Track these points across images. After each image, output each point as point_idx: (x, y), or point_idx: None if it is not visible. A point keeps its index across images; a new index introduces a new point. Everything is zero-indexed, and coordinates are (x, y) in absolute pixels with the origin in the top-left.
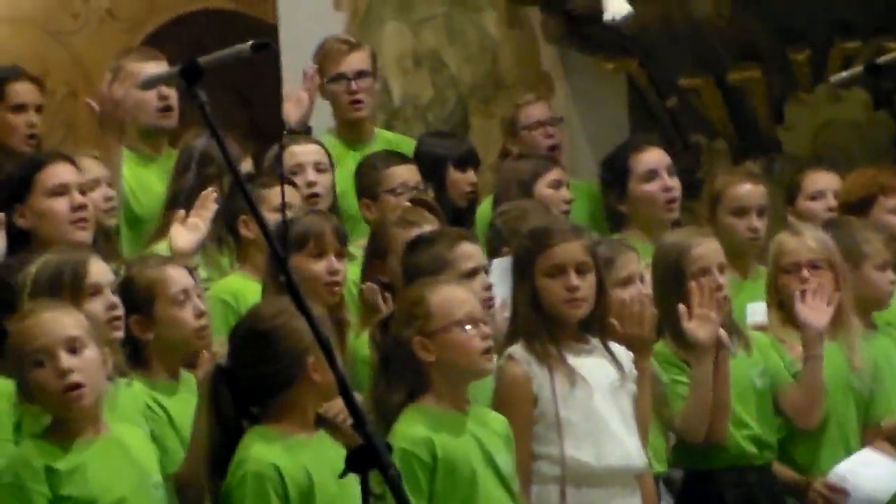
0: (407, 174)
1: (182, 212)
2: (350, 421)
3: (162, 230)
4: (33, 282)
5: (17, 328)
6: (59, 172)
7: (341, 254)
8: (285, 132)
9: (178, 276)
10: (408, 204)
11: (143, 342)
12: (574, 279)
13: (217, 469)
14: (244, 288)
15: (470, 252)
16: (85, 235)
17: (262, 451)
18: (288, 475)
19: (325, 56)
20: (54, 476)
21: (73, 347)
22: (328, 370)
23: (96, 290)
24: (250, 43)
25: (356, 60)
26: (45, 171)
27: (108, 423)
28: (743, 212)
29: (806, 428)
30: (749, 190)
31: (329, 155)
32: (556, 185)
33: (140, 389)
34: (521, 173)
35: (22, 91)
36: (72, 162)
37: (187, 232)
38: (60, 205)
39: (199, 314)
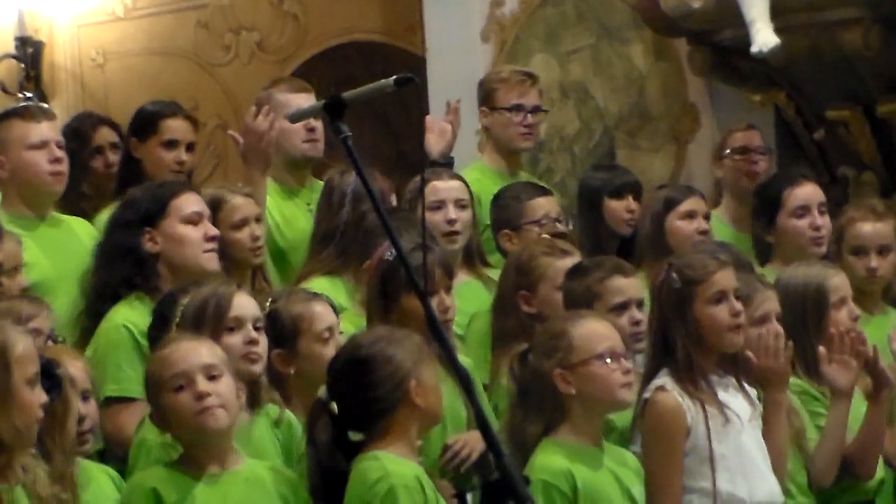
0: (548, 205)
1: None
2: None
3: (313, 266)
4: (182, 314)
5: (155, 357)
6: (193, 201)
7: (450, 289)
8: (429, 164)
9: (323, 313)
10: (547, 236)
11: (285, 376)
12: (736, 304)
13: (322, 496)
14: None
15: (621, 286)
16: (215, 265)
17: (396, 467)
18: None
19: (502, 84)
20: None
21: (212, 375)
22: (430, 395)
23: (237, 325)
24: (394, 78)
25: (535, 95)
26: (181, 197)
27: (238, 457)
28: (862, 251)
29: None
30: (870, 229)
31: (470, 191)
32: (690, 215)
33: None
34: (656, 203)
35: (175, 127)
36: (199, 194)
37: None
38: (195, 232)
39: None
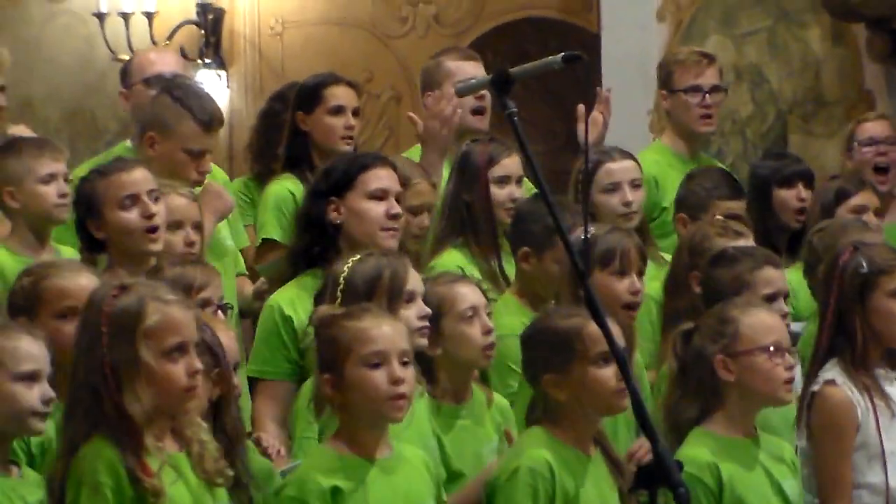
0: (735, 208)
1: None
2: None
3: (444, 236)
4: (347, 279)
5: (350, 326)
6: (383, 176)
7: (642, 273)
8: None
9: (468, 293)
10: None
11: (431, 357)
12: None
13: None
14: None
15: (771, 277)
16: (394, 243)
17: (537, 451)
18: (558, 477)
19: (679, 66)
20: (339, 496)
21: (405, 361)
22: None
23: (411, 298)
24: (562, 55)
25: (712, 75)
26: (369, 172)
27: (392, 444)
28: None
29: None
30: None
31: (641, 170)
32: (860, 210)
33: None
34: (827, 195)
35: (340, 94)
36: (395, 169)
37: None
38: (378, 208)
39: (487, 331)
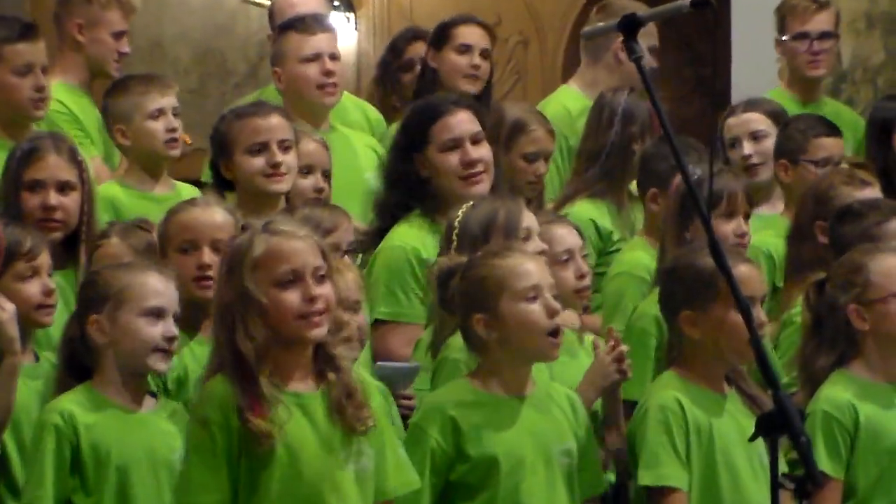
0: (833, 147)
1: None
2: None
3: (577, 186)
4: (462, 225)
5: (498, 264)
6: (452, 125)
7: (749, 216)
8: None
9: (564, 235)
10: (845, 166)
11: None
12: None
13: None
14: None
15: None
16: (478, 189)
17: (665, 391)
18: (689, 412)
19: (790, 12)
20: (459, 432)
21: (555, 295)
22: None
23: (528, 236)
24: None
25: (822, 21)
26: (438, 123)
27: (536, 382)
28: None
29: None
30: None
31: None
32: None
33: None
34: None
35: (468, 33)
36: (472, 110)
37: None
38: (452, 160)
39: (581, 275)
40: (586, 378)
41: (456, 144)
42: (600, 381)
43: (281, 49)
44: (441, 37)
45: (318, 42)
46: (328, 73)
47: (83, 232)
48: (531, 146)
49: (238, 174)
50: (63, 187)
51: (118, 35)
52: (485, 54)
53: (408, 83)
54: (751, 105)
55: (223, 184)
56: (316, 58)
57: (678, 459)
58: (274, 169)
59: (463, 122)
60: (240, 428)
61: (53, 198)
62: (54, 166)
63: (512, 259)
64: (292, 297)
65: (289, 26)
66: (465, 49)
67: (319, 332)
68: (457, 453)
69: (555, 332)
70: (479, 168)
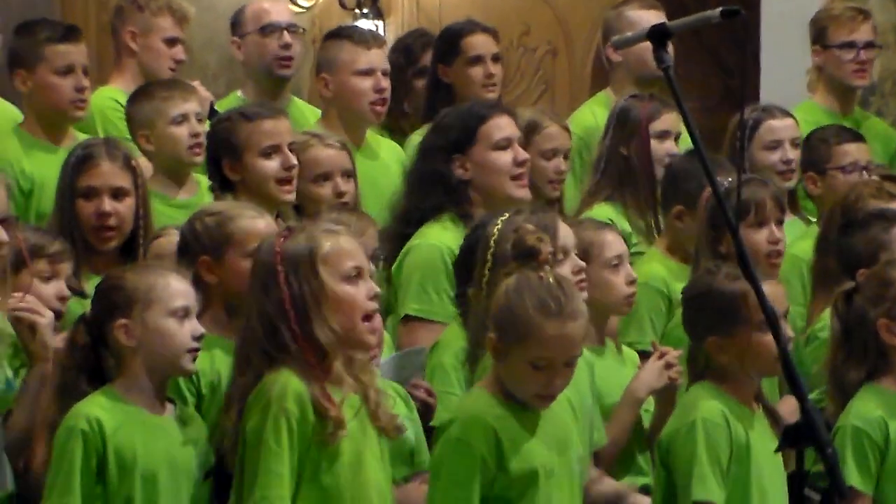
0: (857, 153)
1: None
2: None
3: (596, 189)
4: (497, 242)
5: None
6: (503, 125)
7: (781, 221)
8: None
9: (613, 241)
10: (875, 178)
11: None
12: None
13: None
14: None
15: None
16: (524, 193)
17: (710, 402)
18: (733, 427)
19: (833, 21)
20: (501, 445)
21: None
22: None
23: (565, 253)
24: (720, 9)
25: (867, 30)
26: (489, 123)
27: None
28: None
29: None
30: None
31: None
32: None
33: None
34: None
35: (478, 43)
36: (513, 116)
37: None
38: (505, 157)
39: (630, 281)
40: (639, 376)
41: (508, 144)
42: (654, 381)
43: (332, 57)
44: (449, 51)
45: (374, 57)
46: (381, 90)
47: (140, 236)
48: (547, 143)
49: (248, 176)
50: (117, 194)
51: (171, 42)
52: (496, 59)
53: (420, 90)
54: (786, 112)
55: (223, 184)
56: (370, 72)
57: (721, 475)
58: (288, 172)
59: (510, 123)
60: (314, 423)
61: (108, 204)
62: (108, 173)
63: None
64: (360, 291)
65: (342, 35)
66: (477, 60)
67: (375, 338)
68: (498, 467)
69: None
70: (526, 170)
